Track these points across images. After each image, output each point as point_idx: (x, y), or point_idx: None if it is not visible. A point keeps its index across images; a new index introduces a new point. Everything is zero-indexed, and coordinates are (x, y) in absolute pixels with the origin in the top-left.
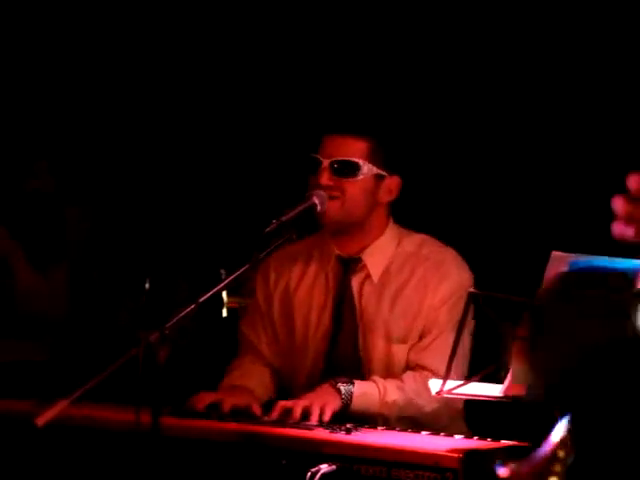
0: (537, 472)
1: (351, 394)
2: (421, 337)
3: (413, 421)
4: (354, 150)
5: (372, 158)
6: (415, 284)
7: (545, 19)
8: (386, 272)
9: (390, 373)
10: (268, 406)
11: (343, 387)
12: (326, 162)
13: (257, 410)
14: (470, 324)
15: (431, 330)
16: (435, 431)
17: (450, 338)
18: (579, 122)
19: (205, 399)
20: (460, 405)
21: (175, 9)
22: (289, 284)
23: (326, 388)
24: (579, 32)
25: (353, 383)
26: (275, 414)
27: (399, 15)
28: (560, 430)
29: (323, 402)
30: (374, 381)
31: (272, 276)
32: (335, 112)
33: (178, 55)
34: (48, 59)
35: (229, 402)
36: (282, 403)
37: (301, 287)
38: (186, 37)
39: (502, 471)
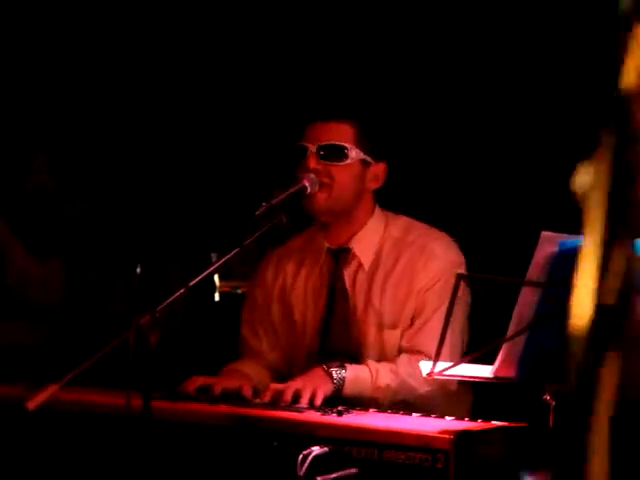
0: None
1: (343, 379)
2: (412, 320)
3: (407, 404)
4: (341, 134)
5: (359, 143)
6: (402, 269)
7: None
8: (375, 259)
9: (383, 358)
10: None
11: (335, 371)
12: (313, 147)
13: (248, 392)
14: (465, 306)
15: (422, 313)
16: (429, 413)
17: (442, 320)
18: (564, 100)
19: (196, 382)
20: (454, 387)
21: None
22: (286, 282)
23: (318, 372)
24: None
25: (345, 367)
26: (266, 397)
27: (383, 1)
28: None
29: (314, 386)
30: (367, 365)
31: (269, 276)
32: (319, 99)
33: (167, 49)
34: (47, 55)
35: (220, 385)
36: (273, 386)
37: (297, 284)
38: (174, 31)
39: None
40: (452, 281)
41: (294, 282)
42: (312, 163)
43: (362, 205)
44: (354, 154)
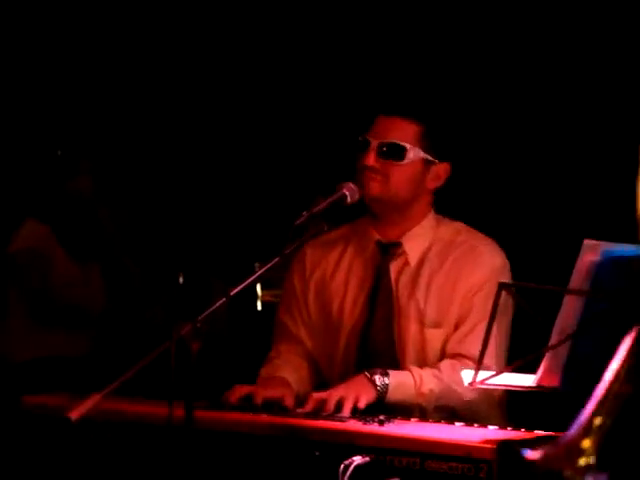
0: (567, 453)
1: (386, 385)
2: (458, 325)
3: (451, 410)
4: (403, 133)
5: (422, 143)
6: (449, 268)
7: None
8: (423, 258)
9: (424, 358)
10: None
11: (378, 378)
12: (375, 143)
13: (289, 402)
14: (510, 314)
15: (467, 318)
16: (473, 420)
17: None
18: (615, 113)
19: (238, 392)
20: (498, 394)
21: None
22: (326, 271)
23: (360, 379)
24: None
25: (388, 374)
26: (309, 406)
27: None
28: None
29: (356, 393)
30: (410, 370)
31: (308, 264)
32: (388, 94)
33: (212, 60)
34: (93, 64)
35: (261, 394)
36: (315, 395)
37: (338, 273)
38: (221, 31)
39: (531, 454)
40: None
41: (335, 271)
42: (370, 160)
43: (419, 203)
44: (413, 154)
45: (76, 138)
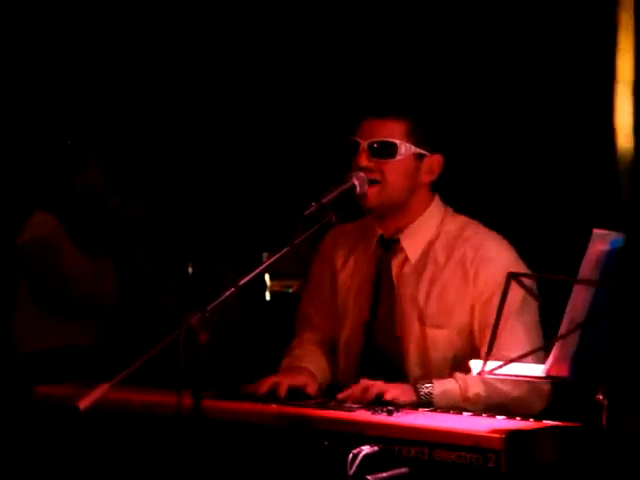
0: None
1: (430, 394)
2: (484, 331)
3: (503, 409)
4: (391, 131)
5: (411, 137)
6: (453, 268)
7: None
8: (425, 253)
9: (427, 357)
10: (328, 389)
11: (422, 388)
12: (364, 143)
13: (313, 390)
14: (532, 304)
15: (490, 323)
16: (525, 418)
17: (516, 322)
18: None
19: (267, 384)
20: (547, 387)
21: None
22: (338, 263)
23: (405, 385)
24: None
25: (432, 383)
26: (354, 391)
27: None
28: None
29: (398, 392)
30: (454, 377)
31: (327, 255)
32: (371, 94)
33: (218, 55)
34: (103, 59)
35: (285, 383)
36: (364, 382)
37: (345, 267)
38: (224, 28)
39: None
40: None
41: (344, 264)
42: (363, 160)
43: (417, 197)
44: (404, 150)
45: (85, 130)
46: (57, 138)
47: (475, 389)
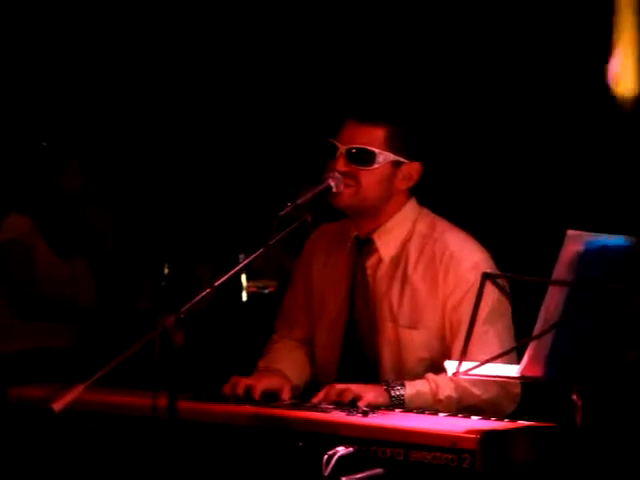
0: None
1: (401, 396)
2: (455, 333)
3: (474, 411)
4: (371, 138)
5: (390, 145)
6: (423, 268)
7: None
8: (399, 254)
9: (399, 358)
10: (307, 390)
11: (393, 390)
12: (343, 149)
13: (287, 394)
14: (505, 306)
15: (461, 327)
16: (500, 418)
17: (488, 326)
18: (593, 104)
19: (242, 384)
20: (518, 390)
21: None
22: (318, 262)
23: (377, 386)
24: None
25: (404, 385)
26: (327, 396)
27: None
28: None
29: (370, 394)
30: (426, 379)
31: (309, 253)
32: (354, 99)
33: (195, 53)
34: (81, 64)
35: (259, 387)
36: (338, 387)
37: (324, 267)
38: (205, 30)
39: None
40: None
41: (324, 263)
42: (340, 166)
43: (391, 202)
44: (382, 158)
45: (63, 131)
46: (33, 140)
47: (446, 391)
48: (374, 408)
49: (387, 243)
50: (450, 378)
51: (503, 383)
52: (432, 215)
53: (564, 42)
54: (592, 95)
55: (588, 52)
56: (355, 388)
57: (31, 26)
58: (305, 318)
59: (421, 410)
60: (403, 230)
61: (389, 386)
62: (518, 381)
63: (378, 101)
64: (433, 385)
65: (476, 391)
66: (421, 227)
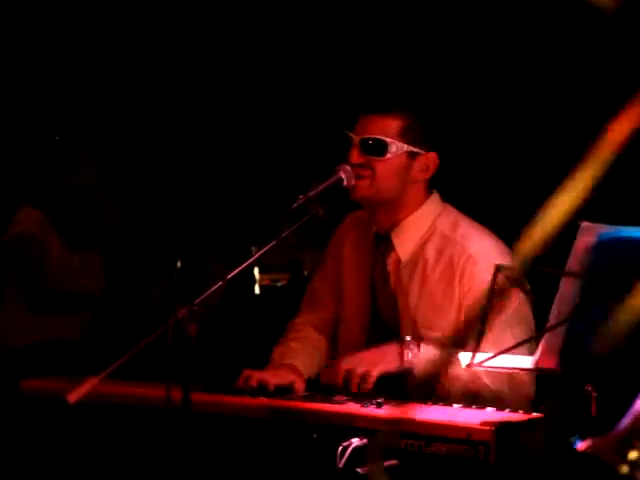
0: (617, 445)
1: (416, 357)
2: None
3: (476, 397)
4: (384, 128)
5: (404, 136)
6: (441, 269)
7: None
8: (417, 253)
9: None
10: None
11: (409, 352)
12: (357, 139)
13: (300, 388)
14: (526, 311)
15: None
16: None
17: (507, 328)
18: (609, 104)
19: (252, 377)
20: (528, 390)
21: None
22: (345, 249)
23: (387, 349)
24: None
25: (419, 346)
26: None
27: None
28: None
29: (367, 367)
30: (443, 349)
31: (340, 238)
32: (367, 90)
33: (206, 50)
34: (92, 59)
35: (272, 382)
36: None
37: (351, 256)
38: (218, 22)
39: (580, 445)
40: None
41: (350, 253)
42: (354, 157)
43: (409, 194)
44: (395, 148)
45: (76, 127)
46: (46, 133)
47: (458, 370)
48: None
49: (405, 242)
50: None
51: (514, 379)
52: (455, 213)
53: (585, 33)
54: (610, 86)
55: (603, 46)
56: (365, 361)
57: (40, 25)
58: (331, 299)
59: (424, 377)
60: (422, 228)
61: (404, 345)
62: (531, 379)
63: (392, 91)
64: (448, 356)
65: (485, 380)
66: (442, 226)
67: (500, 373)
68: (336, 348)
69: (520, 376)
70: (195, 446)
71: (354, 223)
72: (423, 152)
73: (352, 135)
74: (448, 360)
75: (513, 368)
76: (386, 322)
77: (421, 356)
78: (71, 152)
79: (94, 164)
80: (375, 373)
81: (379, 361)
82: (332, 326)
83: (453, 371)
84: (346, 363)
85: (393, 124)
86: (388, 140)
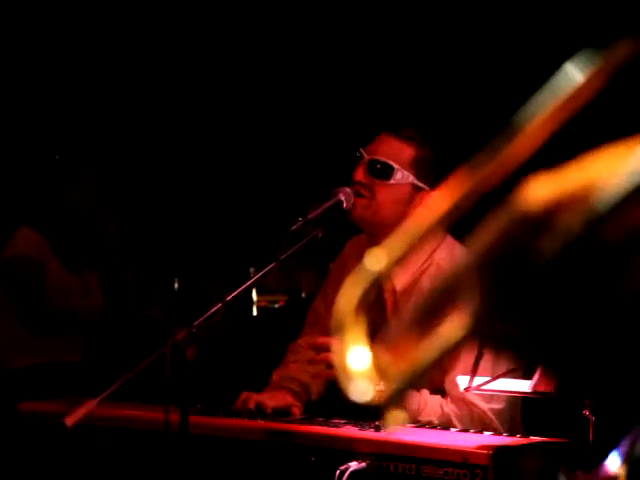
0: None
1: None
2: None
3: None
4: (397, 154)
5: (415, 167)
6: None
7: None
8: (413, 283)
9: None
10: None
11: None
12: (366, 158)
13: (297, 411)
14: None
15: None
16: (512, 434)
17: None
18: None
19: (250, 399)
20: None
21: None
22: (348, 269)
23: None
24: None
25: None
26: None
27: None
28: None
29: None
30: (420, 394)
31: (342, 260)
32: (392, 113)
33: (214, 65)
34: (90, 74)
35: (270, 405)
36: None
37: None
38: (224, 44)
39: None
40: None
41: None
42: (358, 175)
43: None
44: (400, 176)
45: (75, 146)
46: (46, 153)
47: (430, 415)
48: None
49: (401, 272)
50: (440, 403)
51: (488, 427)
52: (453, 244)
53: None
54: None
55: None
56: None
57: (41, 41)
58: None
59: (432, 425)
60: (418, 260)
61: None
62: (502, 418)
63: (414, 118)
64: (422, 404)
65: (458, 425)
66: (439, 258)
67: (470, 413)
68: None
69: (493, 422)
70: (193, 469)
71: (356, 247)
72: (427, 189)
73: (363, 152)
74: (422, 408)
75: (510, 392)
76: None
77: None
78: (71, 171)
79: (93, 183)
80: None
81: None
82: None
83: (425, 416)
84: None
85: (407, 152)
86: (396, 166)
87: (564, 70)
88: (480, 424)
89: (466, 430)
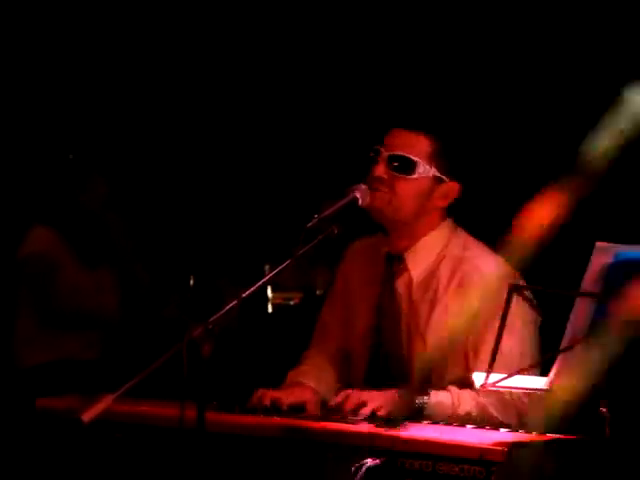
0: None
1: (425, 404)
2: (478, 354)
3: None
4: (416, 148)
5: (434, 160)
6: (453, 291)
7: None
8: (430, 275)
9: (430, 377)
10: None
11: (418, 400)
12: (385, 154)
13: (312, 407)
14: (533, 317)
15: (484, 344)
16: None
17: (512, 342)
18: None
19: (266, 396)
20: (537, 421)
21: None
22: (352, 277)
23: (389, 393)
24: None
25: (428, 393)
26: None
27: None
28: None
29: (380, 403)
30: (449, 391)
31: (347, 266)
32: (407, 107)
33: (226, 68)
34: (101, 74)
35: (285, 401)
36: (343, 392)
37: (359, 280)
38: (234, 49)
39: None
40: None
41: (358, 277)
42: (379, 171)
43: (425, 219)
44: (422, 170)
45: (89, 146)
46: (60, 152)
47: (467, 407)
48: (401, 420)
49: (417, 263)
50: (472, 395)
51: (522, 411)
52: (465, 235)
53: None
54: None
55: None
56: (364, 395)
57: (53, 44)
58: (340, 330)
59: (446, 422)
60: (434, 250)
61: (407, 394)
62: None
63: (428, 110)
64: (455, 399)
65: (494, 413)
66: (453, 248)
67: (508, 406)
68: (347, 379)
69: (527, 406)
70: (209, 466)
71: (361, 253)
72: (447, 180)
73: (381, 149)
74: (458, 402)
75: (527, 388)
76: (387, 348)
77: (431, 400)
78: (84, 171)
79: (105, 183)
80: (372, 405)
81: (378, 399)
82: (344, 357)
83: (463, 409)
84: (349, 391)
85: (426, 145)
86: (418, 160)
87: (627, 98)
88: (514, 410)
89: (482, 426)
